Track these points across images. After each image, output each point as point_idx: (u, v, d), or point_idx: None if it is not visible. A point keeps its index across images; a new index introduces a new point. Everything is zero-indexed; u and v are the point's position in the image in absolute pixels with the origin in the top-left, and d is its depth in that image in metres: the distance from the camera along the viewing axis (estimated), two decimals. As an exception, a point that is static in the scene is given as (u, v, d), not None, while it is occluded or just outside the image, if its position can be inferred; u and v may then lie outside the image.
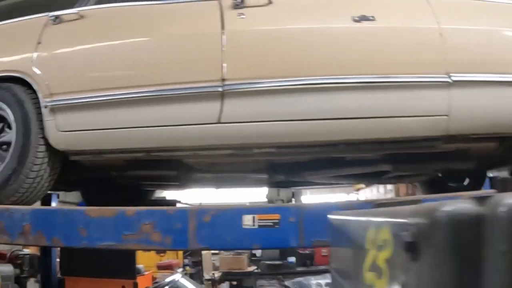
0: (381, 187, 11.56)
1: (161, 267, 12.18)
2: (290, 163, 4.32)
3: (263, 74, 3.55)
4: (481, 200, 1.32)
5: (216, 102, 3.52)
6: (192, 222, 3.18)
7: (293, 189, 10.16)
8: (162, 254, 12.60)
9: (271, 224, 3.12)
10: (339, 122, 3.58)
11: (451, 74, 3.60)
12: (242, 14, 3.66)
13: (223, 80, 3.51)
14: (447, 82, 3.59)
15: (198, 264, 13.43)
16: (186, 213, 3.23)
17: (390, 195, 10.69)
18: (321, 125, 3.58)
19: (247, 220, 3.12)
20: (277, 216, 3.14)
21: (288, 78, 3.53)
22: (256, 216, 3.13)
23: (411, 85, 3.60)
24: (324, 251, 12.62)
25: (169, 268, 11.99)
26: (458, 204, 1.35)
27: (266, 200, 9.54)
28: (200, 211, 3.24)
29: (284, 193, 10.13)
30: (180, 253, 13.01)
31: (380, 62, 3.62)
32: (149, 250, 4.22)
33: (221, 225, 3.16)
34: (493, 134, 3.80)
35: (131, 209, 3.31)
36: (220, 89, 3.51)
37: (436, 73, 3.61)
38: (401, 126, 3.64)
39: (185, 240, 3.20)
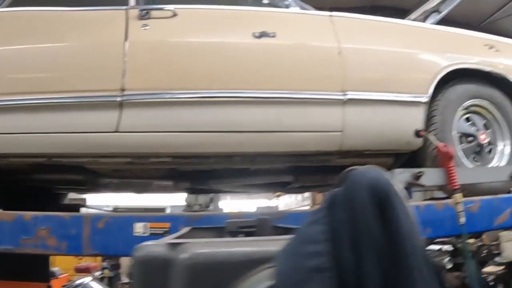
0: (299, 194, 11.76)
1: (78, 270, 12.01)
2: (194, 171, 4.38)
3: (163, 85, 3.61)
4: (174, 245, 1.49)
5: (115, 112, 3.55)
6: (86, 228, 3.24)
7: (212, 194, 10.20)
8: (80, 257, 12.42)
9: (161, 232, 3.21)
10: (234, 135, 3.68)
11: (346, 92, 3.75)
12: (147, 25, 3.71)
13: (123, 90, 3.55)
14: (342, 99, 3.74)
15: (116, 267, 13.27)
16: (81, 219, 3.29)
17: (307, 202, 10.91)
18: (216, 137, 3.67)
19: (139, 228, 3.21)
20: (167, 225, 3.24)
21: (187, 90, 3.62)
22: (148, 224, 3.23)
23: (307, 101, 3.74)
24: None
25: (87, 271, 11.82)
26: (151, 247, 1.53)
27: (185, 203, 9.56)
28: (94, 217, 3.30)
29: (202, 198, 10.16)
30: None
31: (277, 78, 3.74)
32: (46, 254, 4.23)
33: (113, 232, 3.24)
34: (386, 150, 3.97)
35: (28, 214, 3.33)
36: (119, 98, 3.54)
37: (332, 91, 3.76)
38: (296, 141, 3.77)
39: (79, 246, 3.26)
